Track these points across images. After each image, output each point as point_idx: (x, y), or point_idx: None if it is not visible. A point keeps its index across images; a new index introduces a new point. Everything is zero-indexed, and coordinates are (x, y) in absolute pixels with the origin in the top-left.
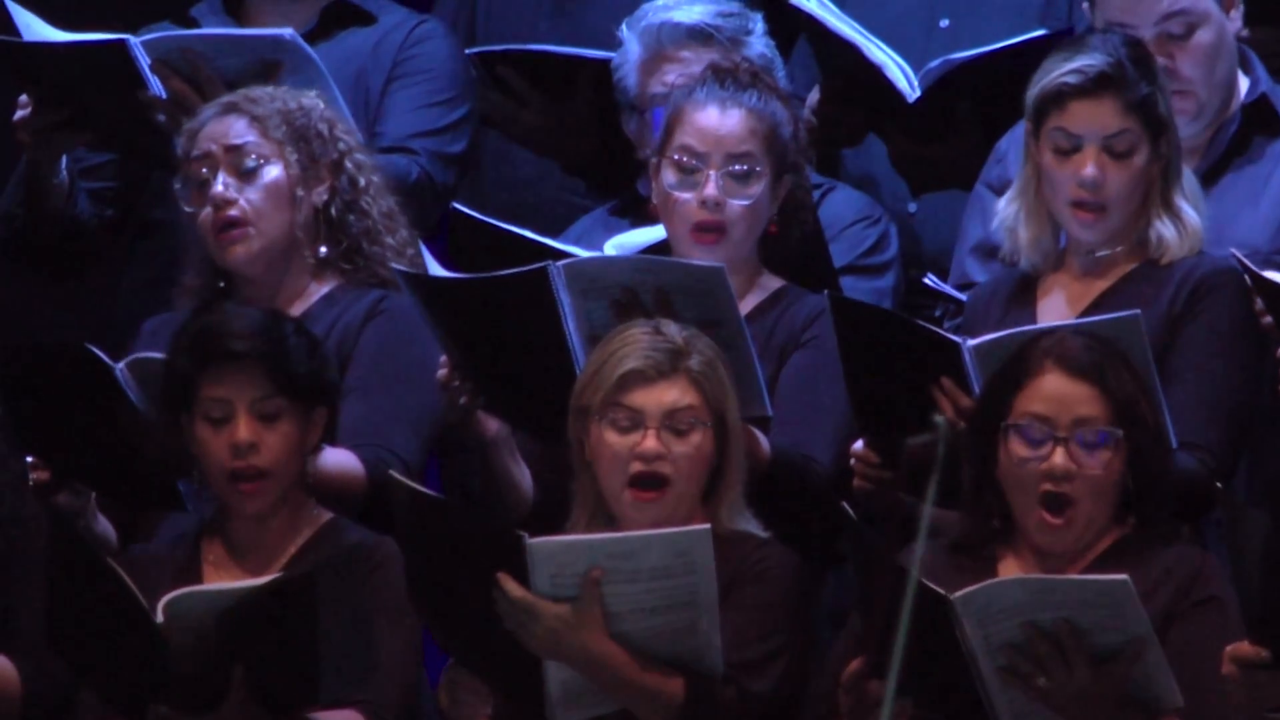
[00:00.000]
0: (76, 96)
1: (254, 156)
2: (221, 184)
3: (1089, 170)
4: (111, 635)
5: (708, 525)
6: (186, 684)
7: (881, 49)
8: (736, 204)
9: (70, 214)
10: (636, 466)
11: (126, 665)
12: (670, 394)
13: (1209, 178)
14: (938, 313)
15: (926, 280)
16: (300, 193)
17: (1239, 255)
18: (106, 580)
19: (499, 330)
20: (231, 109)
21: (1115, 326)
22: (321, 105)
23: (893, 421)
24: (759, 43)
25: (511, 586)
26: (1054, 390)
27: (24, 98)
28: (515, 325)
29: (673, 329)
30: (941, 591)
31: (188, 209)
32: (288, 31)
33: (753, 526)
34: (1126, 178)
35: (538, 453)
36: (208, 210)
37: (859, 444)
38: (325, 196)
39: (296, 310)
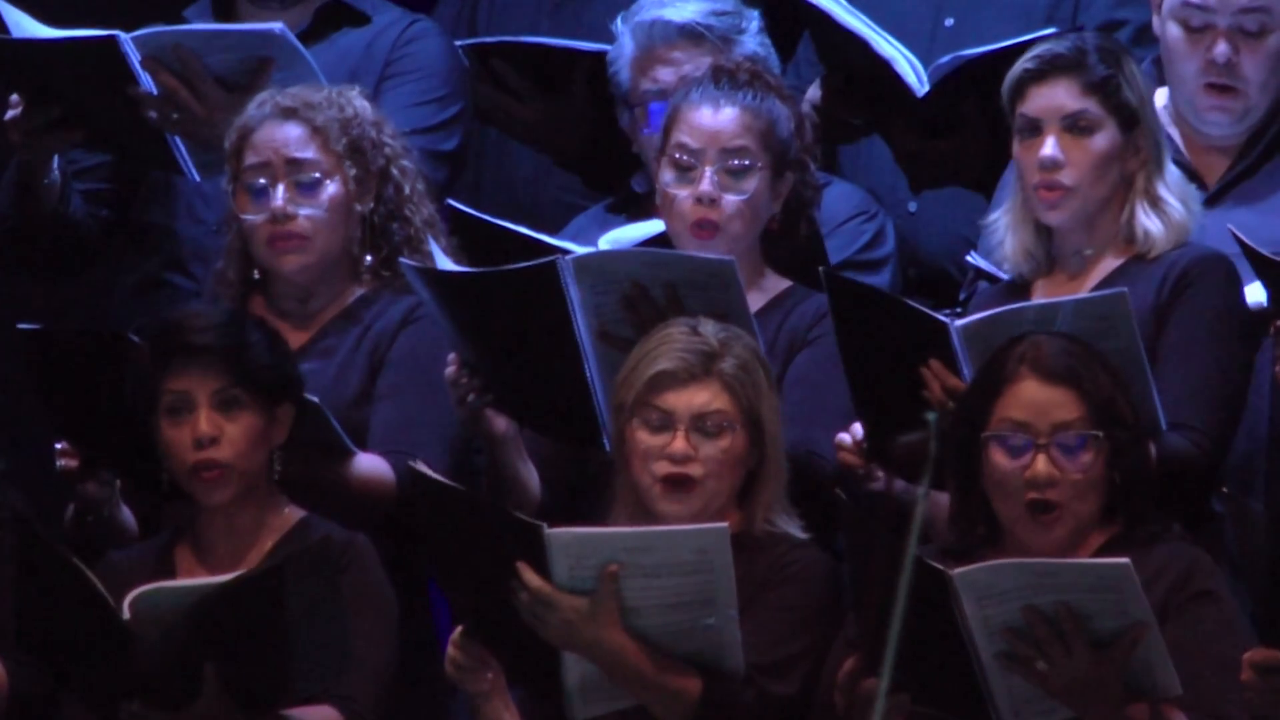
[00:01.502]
0: (67, 95)
1: (315, 172)
2: (281, 198)
3: (1046, 149)
4: (80, 634)
5: (725, 524)
6: (157, 680)
7: (891, 43)
8: (732, 199)
9: (63, 215)
10: (665, 467)
11: (97, 663)
12: (700, 397)
13: (1243, 176)
14: (963, 295)
15: (969, 258)
16: (358, 207)
17: (1235, 231)
18: (72, 579)
19: (507, 325)
20: (290, 115)
21: (1104, 303)
22: (369, 106)
23: (887, 402)
24: (751, 42)
25: (529, 576)
26: (1031, 396)
27: (15, 97)
28: (523, 319)
29: (710, 329)
30: (941, 568)
31: (244, 215)
32: (278, 26)
33: (793, 528)
34: (1089, 159)
35: (544, 453)
36: (263, 218)
37: (855, 426)
38: (371, 205)
39: (331, 312)
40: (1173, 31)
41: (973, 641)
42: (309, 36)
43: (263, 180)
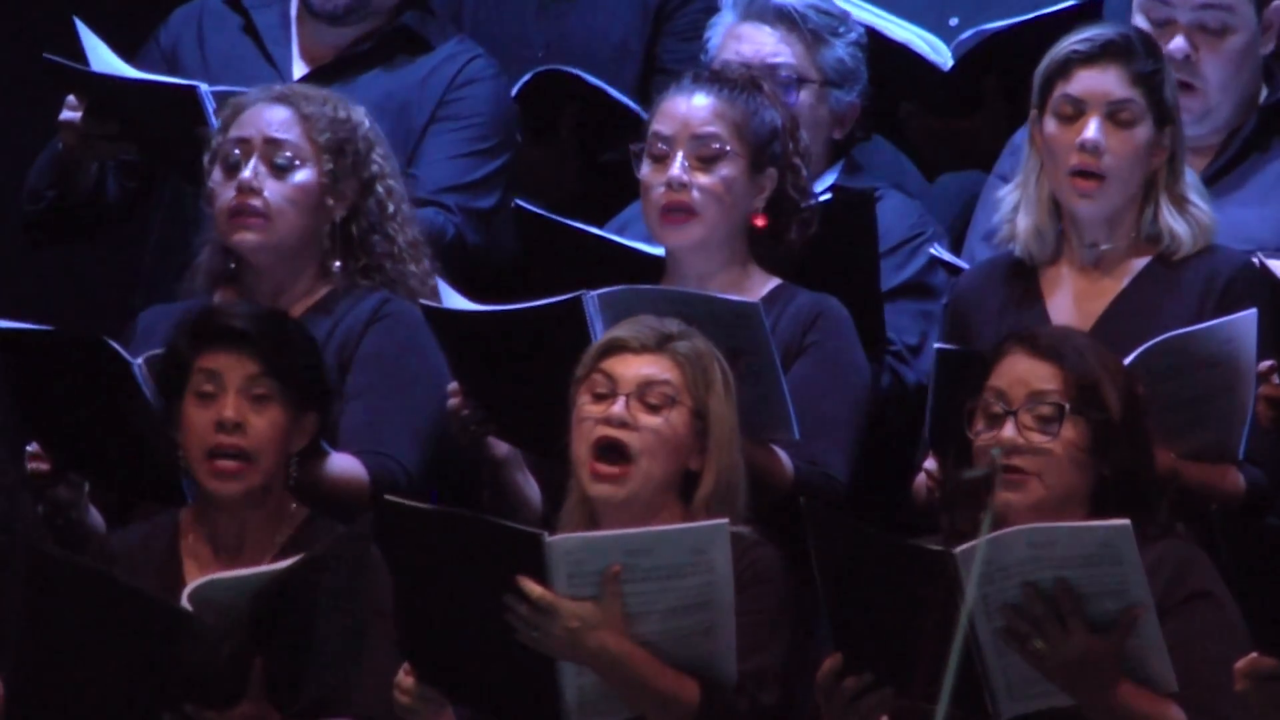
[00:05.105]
0: (131, 117)
1: (290, 154)
2: (251, 171)
3: (1090, 131)
4: (118, 647)
5: (724, 520)
6: (212, 677)
7: (903, 26)
8: (703, 182)
9: (100, 198)
10: (600, 430)
11: (143, 668)
12: (648, 367)
13: (1221, 174)
14: (943, 300)
15: (932, 250)
16: (330, 202)
17: (1262, 259)
18: (108, 592)
19: (526, 359)
20: (283, 99)
21: (1232, 327)
22: (367, 123)
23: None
24: (843, 49)
25: (530, 586)
26: (1014, 368)
27: (72, 99)
28: (544, 354)
29: (675, 323)
30: (943, 549)
31: (212, 185)
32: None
33: (739, 526)
34: (1128, 150)
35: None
36: (230, 192)
37: (925, 470)
38: (344, 213)
39: (298, 310)
40: (1140, 25)
41: (971, 621)
42: (372, 58)
43: (238, 152)
